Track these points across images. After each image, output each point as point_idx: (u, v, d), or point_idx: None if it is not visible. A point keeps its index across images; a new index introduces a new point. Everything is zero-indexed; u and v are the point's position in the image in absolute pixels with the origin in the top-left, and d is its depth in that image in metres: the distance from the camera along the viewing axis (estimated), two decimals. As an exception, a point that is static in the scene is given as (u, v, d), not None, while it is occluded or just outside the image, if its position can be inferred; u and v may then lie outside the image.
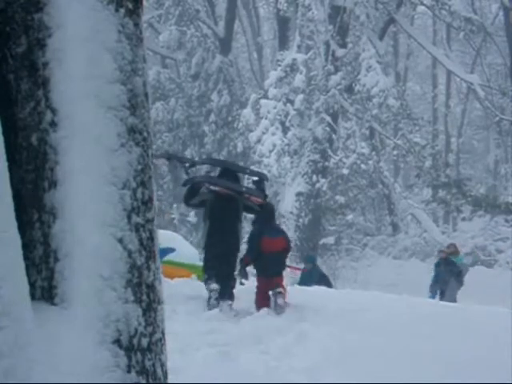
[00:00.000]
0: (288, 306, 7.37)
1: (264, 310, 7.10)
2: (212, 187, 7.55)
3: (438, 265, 14.29)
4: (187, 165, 8.16)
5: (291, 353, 5.42)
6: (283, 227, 20.14)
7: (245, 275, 7.90)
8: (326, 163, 20.41)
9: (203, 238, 7.70)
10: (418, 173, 22.58)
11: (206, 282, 7.34)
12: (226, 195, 7.49)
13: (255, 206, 7.80)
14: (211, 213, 7.51)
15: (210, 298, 7.13)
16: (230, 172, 7.91)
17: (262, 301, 7.38)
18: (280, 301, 7.31)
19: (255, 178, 8.23)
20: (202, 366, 4.88)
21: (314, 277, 12.37)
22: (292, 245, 8.44)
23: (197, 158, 25.96)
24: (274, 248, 7.74)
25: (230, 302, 7.12)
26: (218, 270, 7.27)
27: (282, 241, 7.93)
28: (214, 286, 7.12)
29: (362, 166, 20.36)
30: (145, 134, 2.22)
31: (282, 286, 7.70)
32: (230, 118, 25.40)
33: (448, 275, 13.58)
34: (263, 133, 20.13)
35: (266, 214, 8.08)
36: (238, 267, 7.94)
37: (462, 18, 21.16)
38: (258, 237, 7.79)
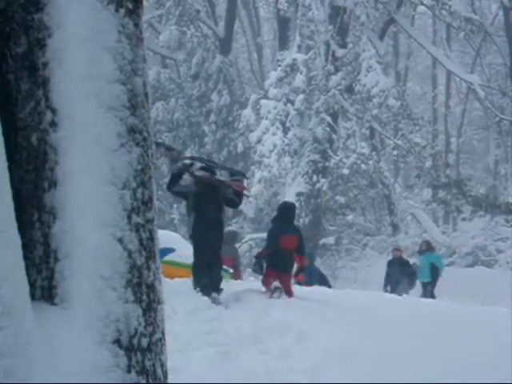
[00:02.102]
0: (292, 299, 7.79)
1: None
2: (197, 173, 7.80)
3: (390, 264, 14.05)
4: (175, 153, 8.38)
5: (291, 353, 5.42)
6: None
7: (260, 270, 8.27)
8: (326, 163, 20.40)
9: (189, 230, 7.97)
10: (418, 173, 22.57)
11: (195, 283, 7.65)
12: (209, 187, 7.77)
13: (235, 197, 8.04)
14: (195, 205, 7.77)
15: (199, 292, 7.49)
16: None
17: (268, 283, 7.95)
18: (276, 295, 7.81)
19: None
20: (202, 365, 4.88)
21: (312, 275, 12.30)
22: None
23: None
24: (290, 246, 8.15)
25: (216, 295, 7.41)
26: (207, 263, 7.62)
27: (296, 239, 8.29)
28: (205, 282, 7.51)
29: (362, 166, 20.34)
30: (145, 133, 2.22)
31: (289, 287, 8.11)
32: (230, 118, 25.39)
33: (401, 275, 13.37)
34: (263, 133, 20.12)
35: (285, 212, 8.48)
36: (254, 262, 8.55)
37: (462, 18, 21.14)
38: (278, 234, 8.17)
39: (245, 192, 8.40)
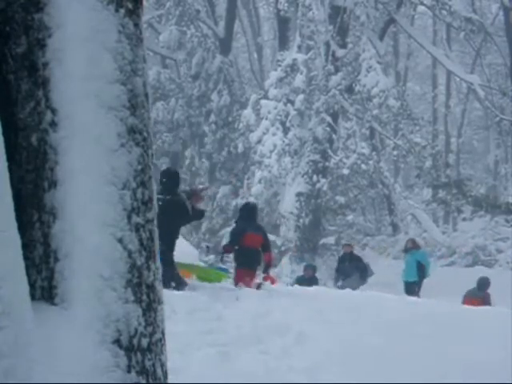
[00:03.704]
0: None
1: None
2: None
3: (342, 259, 13.85)
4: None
5: (291, 353, 5.42)
6: (283, 227, 20.26)
7: (222, 260, 9.20)
8: (327, 163, 20.40)
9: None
10: (418, 173, 22.58)
11: None
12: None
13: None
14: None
15: None
16: None
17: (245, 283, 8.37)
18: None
19: None
20: (202, 366, 4.87)
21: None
22: (268, 241, 9.48)
23: (197, 159, 26.04)
24: (254, 244, 8.68)
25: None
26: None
27: (260, 238, 8.85)
28: None
29: (363, 166, 20.34)
30: (145, 134, 2.22)
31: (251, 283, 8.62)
32: (230, 119, 25.39)
33: (352, 270, 13.14)
34: (264, 133, 20.13)
35: (248, 212, 9.03)
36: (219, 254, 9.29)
37: (462, 18, 21.14)
38: (241, 232, 8.69)
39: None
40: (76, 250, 2.05)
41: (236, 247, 8.77)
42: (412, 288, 13.06)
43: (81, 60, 2.11)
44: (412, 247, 13.80)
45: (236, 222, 9.20)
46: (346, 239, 22.57)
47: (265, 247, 8.93)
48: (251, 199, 20.95)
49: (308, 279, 13.14)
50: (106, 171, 2.10)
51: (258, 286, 8.39)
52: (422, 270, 13.29)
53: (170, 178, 8.17)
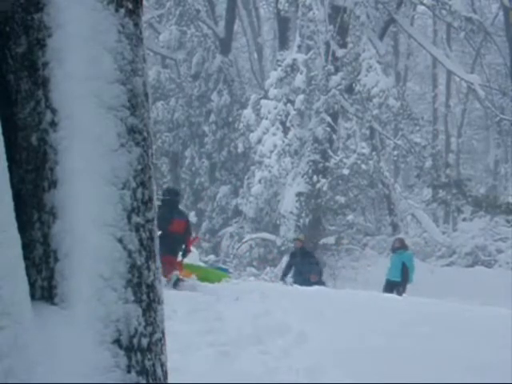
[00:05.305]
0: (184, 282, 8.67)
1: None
2: None
3: (293, 255, 13.58)
4: None
5: (291, 353, 5.42)
6: (283, 227, 20.26)
7: None
8: (327, 163, 20.39)
9: None
10: (418, 173, 22.56)
11: None
12: None
13: None
14: None
15: None
16: None
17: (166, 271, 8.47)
18: (179, 287, 8.47)
19: None
20: (202, 365, 4.88)
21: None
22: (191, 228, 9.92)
23: (197, 159, 26.05)
24: (179, 230, 8.91)
25: None
26: None
27: (184, 224, 9.10)
28: None
29: (363, 166, 20.31)
30: (145, 133, 2.22)
31: (180, 268, 8.93)
32: (230, 119, 25.38)
33: (304, 266, 12.92)
34: (264, 133, 20.12)
35: (173, 198, 9.26)
36: None
37: (462, 18, 21.12)
38: (169, 218, 8.83)
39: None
40: (76, 250, 2.05)
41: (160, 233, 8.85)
42: (392, 288, 12.83)
43: (81, 60, 2.11)
44: (399, 247, 13.58)
45: (161, 207, 9.00)
46: (346, 239, 22.63)
47: (188, 232, 9.17)
48: (251, 199, 21.00)
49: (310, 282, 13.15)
50: (106, 171, 2.10)
51: (176, 283, 8.51)
52: (406, 272, 13.08)
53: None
